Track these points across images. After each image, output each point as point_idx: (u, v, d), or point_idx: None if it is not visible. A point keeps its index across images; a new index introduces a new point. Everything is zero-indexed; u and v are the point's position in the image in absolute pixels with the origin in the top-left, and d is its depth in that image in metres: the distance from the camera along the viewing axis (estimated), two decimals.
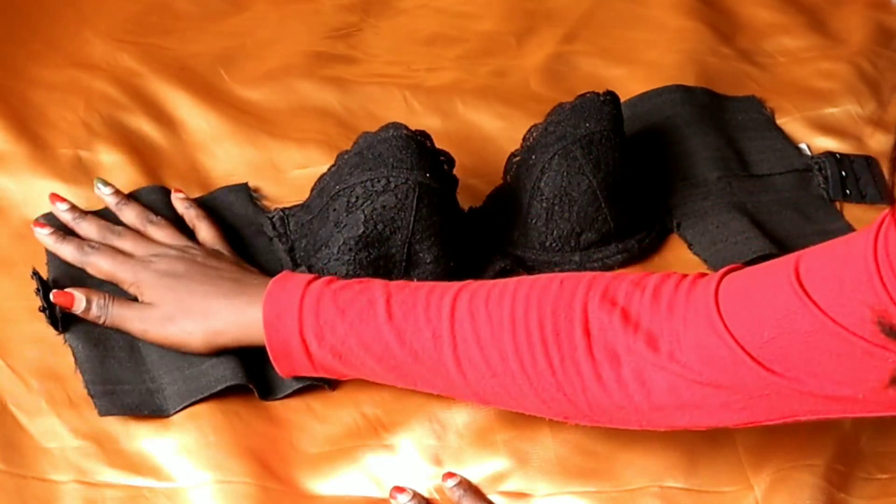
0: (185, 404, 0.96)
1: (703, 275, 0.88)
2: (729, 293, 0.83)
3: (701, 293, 0.84)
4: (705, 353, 0.82)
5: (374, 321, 0.90)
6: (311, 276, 0.95)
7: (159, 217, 1.05)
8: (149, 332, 0.96)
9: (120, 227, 1.03)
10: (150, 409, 0.96)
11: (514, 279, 0.90)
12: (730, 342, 0.81)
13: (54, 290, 0.97)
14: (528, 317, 0.86)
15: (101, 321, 0.97)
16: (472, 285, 0.90)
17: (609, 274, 0.90)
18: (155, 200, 1.09)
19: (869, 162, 1.20)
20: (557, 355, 0.85)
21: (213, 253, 1.02)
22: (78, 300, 0.97)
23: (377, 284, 0.93)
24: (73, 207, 1.04)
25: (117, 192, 1.07)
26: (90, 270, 1.00)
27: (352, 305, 0.91)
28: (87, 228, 1.03)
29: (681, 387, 0.83)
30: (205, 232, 1.05)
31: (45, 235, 1.02)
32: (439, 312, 0.89)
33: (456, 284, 0.91)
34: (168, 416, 0.96)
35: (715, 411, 0.83)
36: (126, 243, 1.02)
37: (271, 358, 0.94)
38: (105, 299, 0.97)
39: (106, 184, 1.07)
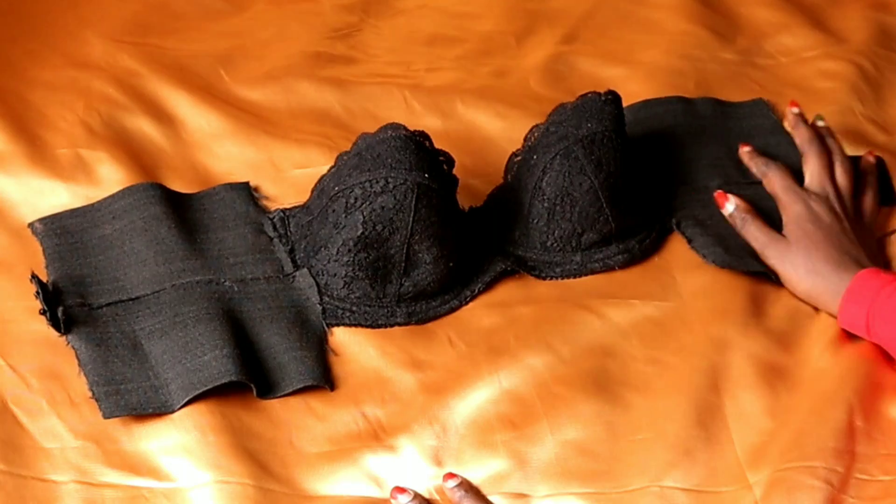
0: (188, 398, 0.96)
1: None
2: None
3: None
4: None
5: None
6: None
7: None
8: (770, 259, 1.07)
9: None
10: (154, 406, 0.96)
11: None
12: None
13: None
14: None
15: (737, 225, 1.09)
16: None
17: None
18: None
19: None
20: None
21: (848, 214, 1.10)
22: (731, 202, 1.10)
23: None
24: None
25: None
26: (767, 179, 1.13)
27: None
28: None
29: None
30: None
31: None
32: None
33: None
34: (172, 411, 0.96)
35: None
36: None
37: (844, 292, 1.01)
38: (750, 213, 1.10)
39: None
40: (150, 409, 0.96)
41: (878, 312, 0.99)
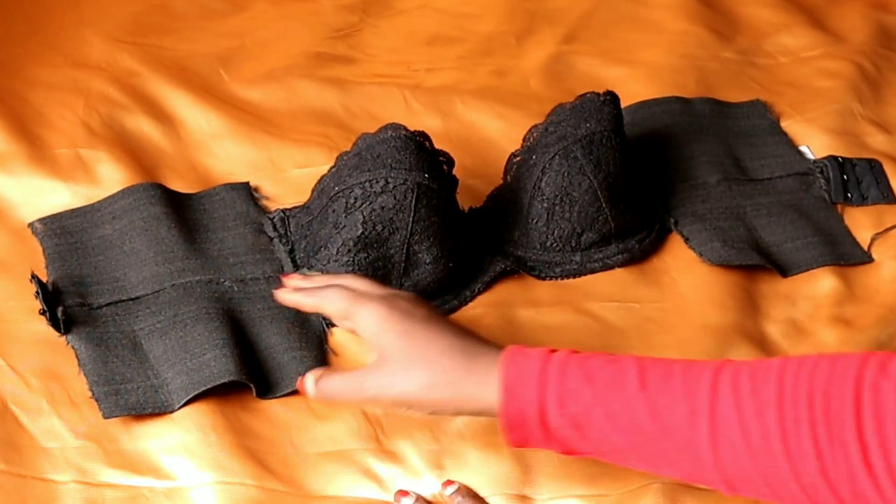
0: (188, 398, 0.96)
1: None
2: None
3: None
4: None
5: (624, 390, 0.81)
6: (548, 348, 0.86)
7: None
8: (374, 397, 0.87)
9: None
10: (154, 406, 0.96)
11: (779, 359, 0.81)
12: None
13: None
14: (796, 394, 0.78)
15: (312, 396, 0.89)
16: (733, 362, 0.82)
17: (885, 353, 0.79)
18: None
19: (872, 165, 1.20)
20: (825, 437, 0.77)
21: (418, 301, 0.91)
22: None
23: (627, 356, 0.84)
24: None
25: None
26: (324, 307, 0.92)
27: (601, 372, 0.83)
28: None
29: None
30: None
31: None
32: (698, 385, 0.80)
33: (715, 361, 0.83)
34: (172, 411, 0.96)
35: None
36: (353, 282, 0.92)
37: (502, 426, 0.84)
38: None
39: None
40: (149, 408, 0.96)
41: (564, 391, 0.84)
